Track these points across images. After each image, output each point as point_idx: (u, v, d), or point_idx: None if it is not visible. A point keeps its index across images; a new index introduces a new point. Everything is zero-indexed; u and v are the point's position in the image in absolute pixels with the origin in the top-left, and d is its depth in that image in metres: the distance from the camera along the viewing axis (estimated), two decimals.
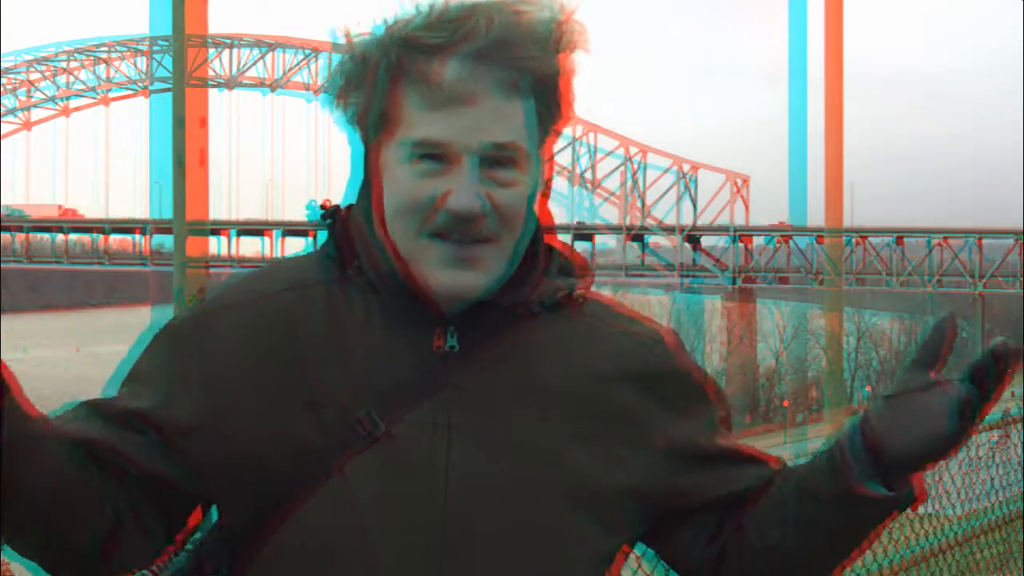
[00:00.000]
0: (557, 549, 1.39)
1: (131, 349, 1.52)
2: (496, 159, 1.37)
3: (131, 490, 1.42)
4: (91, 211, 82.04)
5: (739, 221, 67.56)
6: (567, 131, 1.62)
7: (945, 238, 62.11)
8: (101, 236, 73.80)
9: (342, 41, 1.42)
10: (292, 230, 70.82)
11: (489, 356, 1.42)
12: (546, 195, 1.48)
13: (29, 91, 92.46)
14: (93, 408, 1.44)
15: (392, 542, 1.36)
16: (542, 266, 1.46)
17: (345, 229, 1.45)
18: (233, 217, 74.50)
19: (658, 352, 1.50)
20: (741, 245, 65.02)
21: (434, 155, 1.37)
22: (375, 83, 1.39)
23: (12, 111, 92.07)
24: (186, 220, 5.36)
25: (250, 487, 1.39)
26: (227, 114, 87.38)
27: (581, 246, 61.20)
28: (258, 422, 1.39)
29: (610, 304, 1.52)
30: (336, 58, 1.43)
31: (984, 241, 61.96)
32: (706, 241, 66.89)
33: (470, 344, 1.41)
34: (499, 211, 1.38)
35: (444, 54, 1.36)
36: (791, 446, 40.60)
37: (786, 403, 59.80)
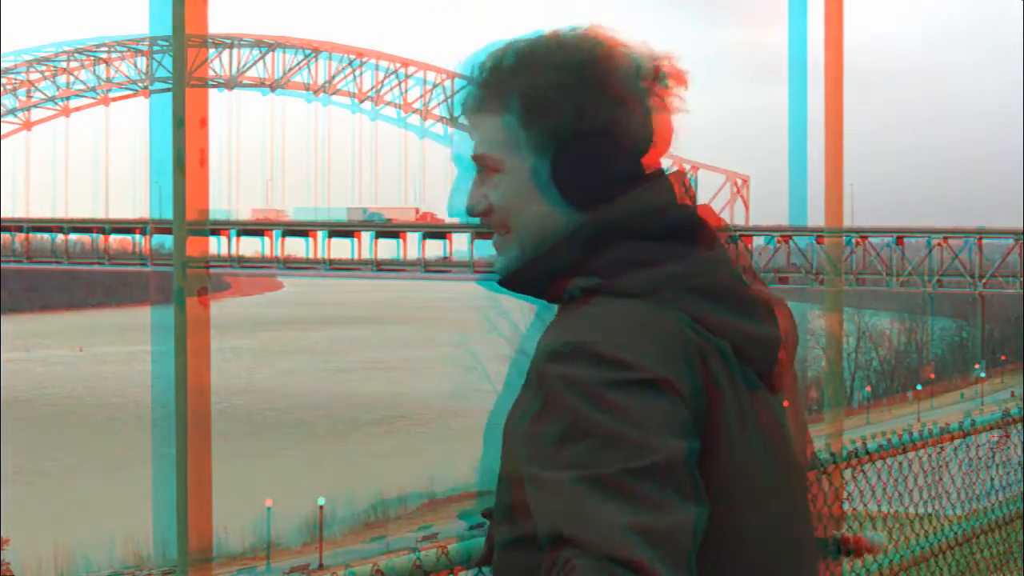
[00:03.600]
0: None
1: None
2: (484, 167, 1.58)
3: None
4: (91, 211, 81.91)
5: (739, 221, 67.56)
6: None
7: (945, 238, 62.14)
8: (101, 236, 73.82)
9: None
10: (292, 230, 70.85)
11: None
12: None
13: (29, 91, 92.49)
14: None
15: None
16: (544, 260, 1.56)
17: None
18: (233, 217, 74.50)
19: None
20: (741, 245, 65.02)
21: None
22: None
23: (12, 111, 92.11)
24: (186, 220, 5.36)
25: None
26: (227, 114, 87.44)
27: None
28: None
29: (594, 313, 1.48)
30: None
31: (984, 241, 62.00)
32: None
33: None
34: (498, 207, 1.57)
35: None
36: None
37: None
